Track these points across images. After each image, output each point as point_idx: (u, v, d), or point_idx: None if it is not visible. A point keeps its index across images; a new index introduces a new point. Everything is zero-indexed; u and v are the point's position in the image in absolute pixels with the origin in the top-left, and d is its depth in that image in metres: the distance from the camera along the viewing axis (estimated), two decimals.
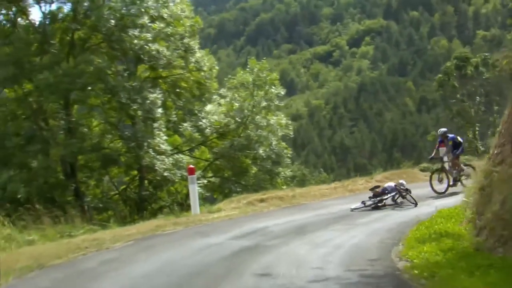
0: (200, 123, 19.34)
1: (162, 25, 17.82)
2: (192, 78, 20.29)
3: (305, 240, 8.72)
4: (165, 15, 17.89)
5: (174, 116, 19.31)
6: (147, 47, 17.25)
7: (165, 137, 18.09)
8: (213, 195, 20.96)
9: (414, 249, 6.25)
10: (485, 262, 5.36)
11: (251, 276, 6.28)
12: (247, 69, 21.18)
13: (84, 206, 17.15)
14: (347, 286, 5.44)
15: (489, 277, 4.84)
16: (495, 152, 7.08)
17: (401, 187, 12.12)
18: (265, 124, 19.66)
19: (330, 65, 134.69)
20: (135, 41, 16.90)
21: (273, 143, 19.46)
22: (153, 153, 17.29)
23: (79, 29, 17.14)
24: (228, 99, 20.56)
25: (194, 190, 13.90)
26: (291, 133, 21.22)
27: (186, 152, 21.60)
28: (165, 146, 17.69)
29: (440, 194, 13.06)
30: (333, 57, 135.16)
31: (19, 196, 16.34)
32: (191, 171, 13.97)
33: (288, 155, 20.64)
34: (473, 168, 12.78)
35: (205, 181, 19.74)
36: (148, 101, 16.98)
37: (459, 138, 14.00)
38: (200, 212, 13.64)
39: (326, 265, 6.58)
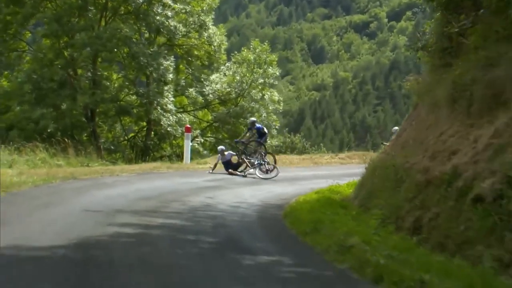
0: (204, 89, 24.79)
1: (181, 6, 23.14)
2: (203, 48, 25.71)
3: (254, 187, 14.10)
4: None
5: (183, 81, 24.78)
6: (167, 23, 22.62)
7: (172, 99, 23.61)
8: (209, 153, 26.56)
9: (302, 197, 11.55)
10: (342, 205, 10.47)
11: (204, 197, 11.68)
12: (250, 48, 26.46)
13: (100, 146, 22.89)
14: (252, 206, 10.78)
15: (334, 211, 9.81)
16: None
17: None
18: (258, 98, 25.04)
19: (365, 37, 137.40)
20: (157, 17, 22.28)
21: (263, 115, 24.83)
22: (160, 110, 22.89)
23: (112, 1, 22.61)
24: (231, 72, 25.95)
25: (188, 145, 19.48)
26: (281, 108, 26.61)
27: (191, 112, 27.27)
28: (171, 106, 23.27)
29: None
30: (370, 28, 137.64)
31: (48, 130, 22.10)
32: (187, 130, 19.54)
33: (276, 127, 26.12)
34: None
35: (202, 140, 25.35)
36: (162, 67, 22.44)
37: (265, 129, 17.72)
38: (190, 163, 19.25)
39: (251, 198, 11.93)
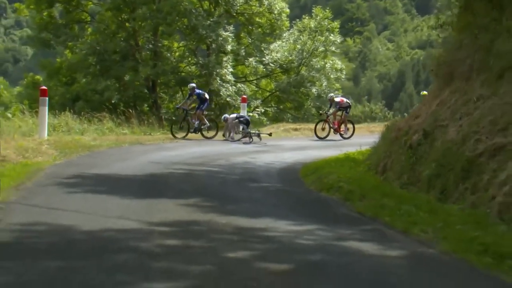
0: (264, 59, 30.66)
1: None
2: (265, 16, 31.53)
3: (298, 152, 19.73)
4: None
5: (243, 50, 30.76)
6: None
7: (231, 69, 29.65)
8: (272, 123, 32.47)
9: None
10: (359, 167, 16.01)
11: (247, 158, 17.48)
12: (312, 16, 32.00)
13: (161, 116, 29.42)
14: (284, 163, 16.48)
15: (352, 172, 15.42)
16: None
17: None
18: (318, 67, 30.60)
19: None
20: None
21: (324, 84, 30.39)
22: (219, 81, 29.01)
23: None
24: (291, 40, 31.62)
25: (244, 115, 25.42)
26: (343, 77, 32.02)
27: (253, 81, 33.30)
28: (230, 77, 29.31)
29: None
30: None
31: (113, 101, 28.87)
32: (243, 100, 25.51)
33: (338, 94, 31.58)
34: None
35: (262, 110, 31.32)
36: (221, 38, 28.51)
37: (206, 95, 22.56)
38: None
39: (289, 159, 17.60)
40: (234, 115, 22.67)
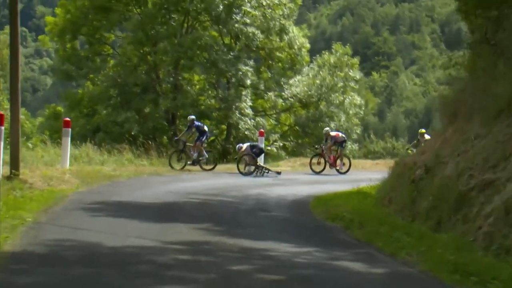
0: (283, 93, 32.19)
1: (258, 13, 30.77)
2: (285, 51, 33.15)
3: (314, 186, 21.01)
4: (264, 3, 30.78)
5: (262, 85, 32.32)
6: (245, 29, 30.30)
7: (250, 103, 31.20)
8: (290, 157, 33.84)
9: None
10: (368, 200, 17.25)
11: (262, 190, 18.78)
12: (332, 51, 33.59)
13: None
14: (297, 196, 17.77)
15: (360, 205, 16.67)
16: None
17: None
18: (337, 102, 32.04)
19: None
20: (236, 24, 30.03)
21: (342, 119, 31.79)
22: (238, 114, 30.55)
23: (194, 10, 30.67)
24: (310, 75, 33.17)
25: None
26: (362, 112, 33.41)
27: (272, 115, 34.80)
28: (248, 110, 30.84)
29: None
30: None
31: (132, 133, 30.46)
32: (261, 134, 26.95)
33: (357, 131, 32.96)
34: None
35: (280, 144, 32.73)
36: (240, 72, 30.12)
37: (205, 127, 24.16)
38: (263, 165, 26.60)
39: (303, 192, 18.89)
40: (248, 144, 23.97)
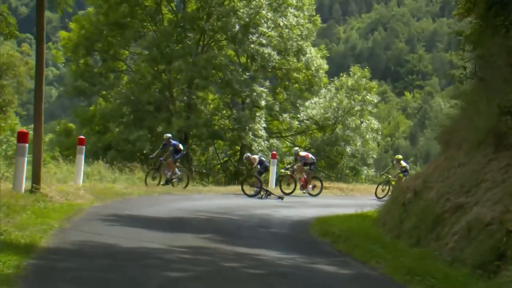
0: (299, 115, 35.07)
1: (275, 33, 33.81)
2: (302, 72, 36.11)
3: (321, 209, 23.74)
4: (281, 24, 33.79)
5: (277, 106, 35.23)
6: (261, 50, 33.31)
7: (264, 125, 34.12)
8: None
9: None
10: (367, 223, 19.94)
11: (269, 211, 21.55)
12: (350, 74, 36.52)
13: (191, 168, 33.86)
14: (302, 217, 20.51)
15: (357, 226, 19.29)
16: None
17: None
18: (353, 126, 34.86)
19: None
20: (252, 45, 33.06)
21: (358, 143, 34.59)
22: (252, 136, 33.46)
23: (210, 29, 33.77)
24: (327, 98, 36.06)
25: (273, 171, 29.65)
26: (379, 137, 36.14)
27: (288, 137, 37.70)
28: (262, 132, 33.74)
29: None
30: None
31: (144, 152, 33.42)
32: (273, 156, 29.80)
33: (373, 156, 35.73)
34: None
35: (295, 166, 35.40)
36: (255, 93, 33.09)
37: (180, 146, 26.23)
38: (275, 187, 29.40)
39: (309, 214, 21.63)
40: (258, 156, 26.96)
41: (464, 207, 13.33)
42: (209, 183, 33.85)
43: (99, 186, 22.76)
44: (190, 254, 11.06)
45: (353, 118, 36.30)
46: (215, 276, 9.41)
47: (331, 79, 38.67)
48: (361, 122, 36.36)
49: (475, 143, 15.10)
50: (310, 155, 28.13)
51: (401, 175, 27.55)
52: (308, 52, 35.80)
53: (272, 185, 29.29)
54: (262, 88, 34.15)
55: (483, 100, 15.76)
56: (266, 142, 34.64)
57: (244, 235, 14.45)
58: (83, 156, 23.84)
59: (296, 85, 36.75)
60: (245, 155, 28.50)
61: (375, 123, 36.87)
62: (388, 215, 17.13)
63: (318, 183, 27.65)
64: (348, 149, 35.18)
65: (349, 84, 36.75)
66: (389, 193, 26.58)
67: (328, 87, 37.99)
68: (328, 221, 17.74)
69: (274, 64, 34.95)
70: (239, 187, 28.56)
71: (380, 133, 37.01)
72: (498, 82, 15.31)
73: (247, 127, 34.01)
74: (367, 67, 38.75)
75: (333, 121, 36.31)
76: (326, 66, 36.89)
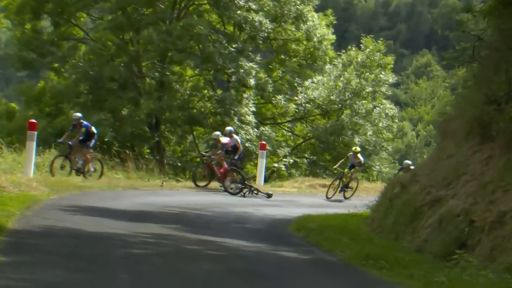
0: (296, 98, 39.38)
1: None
2: (302, 44, 40.26)
3: (313, 209, 28.07)
4: None
5: (271, 86, 39.46)
6: (250, 17, 37.57)
7: (253, 108, 38.39)
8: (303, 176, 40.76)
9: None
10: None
11: (250, 209, 25.80)
12: (361, 47, 40.85)
13: (163, 161, 38.12)
14: (286, 216, 24.89)
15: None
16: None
17: None
18: (364, 111, 39.18)
19: None
20: (239, 11, 37.30)
21: (369, 133, 38.93)
22: (238, 122, 37.73)
23: None
24: (332, 77, 40.35)
25: (262, 164, 34.01)
26: (395, 126, 40.50)
27: (284, 125, 42.02)
28: (251, 117, 38.02)
29: None
30: None
31: (106, 139, 37.62)
32: (262, 147, 34.16)
33: (389, 148, 40.07)
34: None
35: (291, 161, 39.88)
36: (242, 70, 37.35)
37: (93, 129, 28.67)
38: (264, 184, 33.80)
39: (296, 213, 25.95)
40: (227, 140, 30.64)
41: (442, 201, 17.76)
42: (187, 178, 37.31)
43: (53, 179, 27.04)
44: (153, 238, 15.55)
45: (364, 101, 40.59)
46: (174, 254, 13.88)
47: (339, 53, 42.78)
48: (374, 107, 40.60)
49: (464, 134, 19.51)
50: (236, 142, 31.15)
51: (353, 170, 32.03)
52: (309, 18, 39.83)
53: (260, 183, 33.42)
54: (251, 64, 38.28)
55: (474, 87, 20.14)
56: (256, 130, 38.72)
57: (213, 227, 18.96)
58: (35, 144, 27.78)
59: (295, 60, 40.89)
60: (215, 133, 31.76)
61: (391, 108, 40.94)
62: (377, 212, 21.57)
63: (239, 177, 30.66)
64: (356, 139, 39.21)
65: (359, 59, 41.04)
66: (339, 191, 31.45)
67: (334, 63, 42.07)
68: (311, 219, 22.09)
69: (266, 33, 39.00)
70: (218, 183, 32.43)
71: (396, 120, 41.15)
72: (490, 68, 19.68)
73: (232, 111, 38.10)
74: (381, 39, 42.76)
75: (339, 105, 40.55)
76: (332, 36, 40.82)
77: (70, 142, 29.52)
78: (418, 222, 17.88)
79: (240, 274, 12.46)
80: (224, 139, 30.70)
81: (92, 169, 29.97)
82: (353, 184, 32.10)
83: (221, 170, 30.62)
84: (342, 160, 32.99)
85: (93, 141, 29.64)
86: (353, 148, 32.48)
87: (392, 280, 12.88)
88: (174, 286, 11.13)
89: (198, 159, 32.90)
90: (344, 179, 31.65)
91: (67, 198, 22.65)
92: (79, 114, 30.13)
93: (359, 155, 31.82)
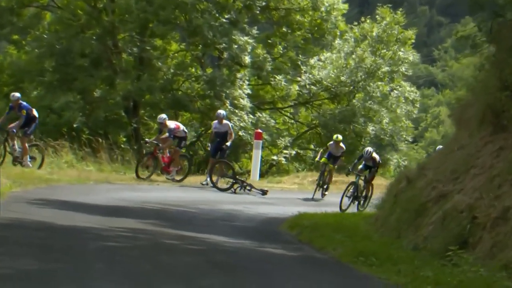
0: (300, 78, 41.51)
1: None
2: (308, 14, 42.23)
3: (310, 207, 30.44)
4: None
5: (269, 65, 41.52)
6: None
7: (248, 91, 40.49)
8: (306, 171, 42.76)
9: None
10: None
11: (241, 207, 28.13)
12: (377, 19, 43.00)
13: (142, 151, 40.19)
14: (281, 215, 27.27)
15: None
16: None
17: None
18: (379, 95, 41.33)
19: None
20: None
21: (385, 120, 41.11)
22: (230, 106, 39.88)
23: None
24: (342, 54, 42.44)
25: (258, 156, 36.31)
26: (415, 111, 42.59)
27: (286, 110, 44.13)
28: (245, 101, 40.14)
29: None
30: None
31: (75, 125, 39.63)
32: (258, 136, 36.40)
33: (408, 138, 42.18)
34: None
35: (293, 152, 41.99)
36: (236, 45, 39.48)
37: (34, 112, 30.38)
38: (259, 180, 36.10)
39: (290, 211, 28.22)
40: (174, 124, 32.94)
41: (447, 196, 20.10)
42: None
43: (15, 170, 29.30)
44: (130, 233, 18.01)
45: (379, 83, 42.51)
46: (152, 248, 16.34)
47: (351, 25, 44.62)
48: (391, 90, 42.64)
49: (477, 122, 21.78)
50: (182, 127, 33.38)
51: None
52: None
53: (254, 177, 35.57)
54: (247, 38, 40.07)
55: (490, 71, 22.35)
56: (251, 116, 40.55)
57: (196, 224, 21.44)
58: None
59: (298, 33, 42.73)
60: (160, 116, 33.64)
61: (412, 91, 42.70)
62: (382, 210, 23.93)
63: (185, 164, 33.33)
64: (370, 128, 41.11)
65: (375, 33, 43.02)
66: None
67: (345, 37, 43.91)
68: (307, 217, 24.36)
69: (265, 2, 40.70)
70: (207, 177, 34.58)
71: (417, 105, 42.77)
72: (506, 49, 21.91)
73: (224, 94, 39.95)
74: (401, 9, 44.60)
75: (350, 87, 42.52)
76: (343, 6, 42.24)
77: (13, 129, 31.17)
78: (422, 219, 20.09)
79: (219, 266, 14.71)
80: (171, 123, 32.76)
81: (29, 160, 31.88)
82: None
83: (165, 159, 32.90)
84: (322, 149, 35.38)
85: (33, 125, 31.50)
86: (335, 137, 33.30)
87: (380, 276, 15.20)
88: (152, 276, 13.23)
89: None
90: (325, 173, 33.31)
91: (32, 192, 24.96)
92: (17, 94, 31.57)
93: (341, 144, 33.06)
